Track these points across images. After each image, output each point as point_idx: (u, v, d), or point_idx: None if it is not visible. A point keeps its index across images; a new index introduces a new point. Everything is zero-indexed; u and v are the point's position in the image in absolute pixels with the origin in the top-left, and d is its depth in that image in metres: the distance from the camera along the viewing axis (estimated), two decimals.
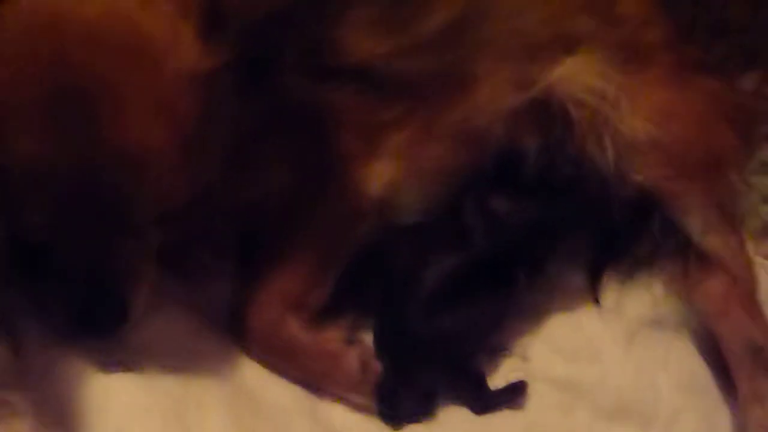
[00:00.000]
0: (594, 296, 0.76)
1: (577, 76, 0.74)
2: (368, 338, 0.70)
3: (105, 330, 0.58)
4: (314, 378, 0.65)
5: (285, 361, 0.65)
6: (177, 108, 0.53)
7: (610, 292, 0.76)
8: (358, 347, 0.67)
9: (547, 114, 0.75)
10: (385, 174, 0.72)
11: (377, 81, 0.71)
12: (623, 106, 0.74)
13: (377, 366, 0.67)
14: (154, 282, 0.60)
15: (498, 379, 0.70)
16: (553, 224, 0.73)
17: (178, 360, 0.60)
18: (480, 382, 0.69)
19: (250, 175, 0.64)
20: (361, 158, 0.71)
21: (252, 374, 0.64)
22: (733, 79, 0.84)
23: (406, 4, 0.71)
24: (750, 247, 0.81)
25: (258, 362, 0.65)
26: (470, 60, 0.74)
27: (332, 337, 0.66)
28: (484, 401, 0.69)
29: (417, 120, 0.73)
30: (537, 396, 0.69)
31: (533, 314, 0.74)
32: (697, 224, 0.75)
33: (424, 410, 0.67)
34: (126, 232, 0.56)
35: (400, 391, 0.66)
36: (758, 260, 0.81)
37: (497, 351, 0.72)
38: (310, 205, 0.69)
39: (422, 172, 0.74)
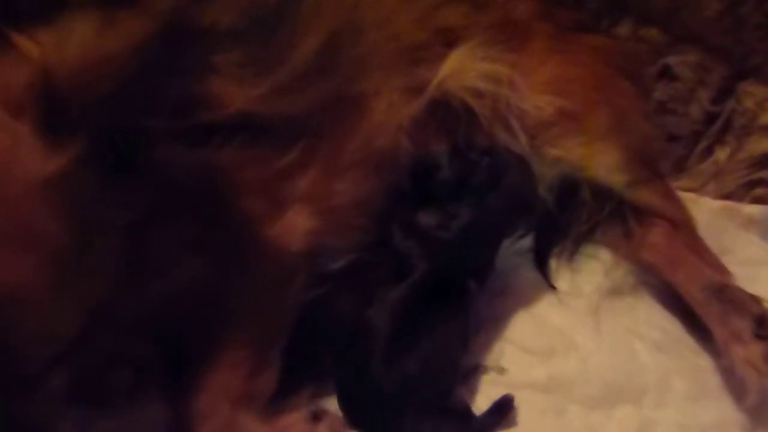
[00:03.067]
0: (548, 283, 0.70)
1: (465, 66, 0.68)
2: (333, 404, 0.61)
3: None
4: None
5: None
6: (36, 225, 0.42)
7: (563, 274, 0.71)
8: (325, 420, 0.58)
9: (449, 113, 0.68)
10: (300, 224, 0.63)
11: (263, 127, 0.63)
12: (519, 85, 0.69)
13: None
14: (77, 425, 0.49)
15: (481, 401, 0.63)
16: (488, 223, 0.66)
17: None
18: (465, 413, 0.61)
19: (152, 271, 0.53)
20: (269, 216, 0.62)
21: None
22: (610, 30, 0.80)
23: (272, 39, 0.62)
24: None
25: None
26: (355, 79, 0.67)
27: (294, 420, 0.57)
28: (474, 430, 0.61)
29: (318, 158, 0.65)
30: (525, 405, 0.63)
31: (495, 320, 0.68)
32: (622, 181, 0.71)
33: None
34: (22, 387, 0.44)
35: None
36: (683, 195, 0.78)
37: (471, 371, 0.64)
38: (229, 283, 0.59)
39: (338, 211, 0.66)
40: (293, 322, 0.62)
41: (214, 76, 0.59)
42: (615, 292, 0.70)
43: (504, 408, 0.62)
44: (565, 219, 0.71)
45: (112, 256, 0.47)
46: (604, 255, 0.72)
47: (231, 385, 0.55)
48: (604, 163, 0.70)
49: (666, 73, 0.80)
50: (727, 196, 0.79)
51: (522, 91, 0.69)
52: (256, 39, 0.62)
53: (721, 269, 0.69)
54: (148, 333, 0.56)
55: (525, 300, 0.69)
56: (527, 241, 0.71)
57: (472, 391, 0.64)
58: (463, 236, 0.66)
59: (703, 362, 0.66)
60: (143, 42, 0.45)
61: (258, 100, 0.61)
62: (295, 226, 0.63)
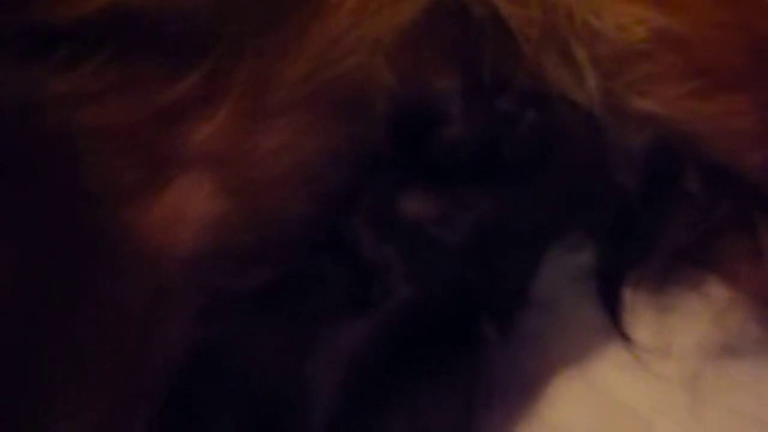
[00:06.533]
0: (618, 331, 0.42)
1: None
2: None
3: None
4: None
5: None
6: None
7: (643, 318, 0.43)
8: None
9: (464, 27, 0.41)
10: (194, 208, 0.40)
11: (138, 33, 0.39)
12: None
13: None
14: None
15: None
16: (523, 222, 0.39)
17: None
18: None
19: None
20: (140, 191, 0.38)
21: None
22: None
23: None
24: None
25: None
26: None
27: None
28: None
29: (232, 92, 0.40)
30: None
31: (527, 390, 0.41)
32: (756, 161, 0.43)
33: None
34: None
35: None
36: None
37: None
38: (61, 305, 0.36)
39: (262, 187, 0.40)
40: (171, 378, 0.38)
41: None
42: (727, 351, 0.43)
43: None
44: (654, 223, 0.43)
45: None
46: (714, 288, 0.44)
47: None
48: (730, 129, 0.42)
49: None
50: None
51: None
52: None
53: None
54: None
55: (578, 359, 0.42)
56: (586, 257, 0.44)
57: None
58: (479, 241, 0.40)
59: None
60: None
61: None
62: (186, 210, 0.39)
